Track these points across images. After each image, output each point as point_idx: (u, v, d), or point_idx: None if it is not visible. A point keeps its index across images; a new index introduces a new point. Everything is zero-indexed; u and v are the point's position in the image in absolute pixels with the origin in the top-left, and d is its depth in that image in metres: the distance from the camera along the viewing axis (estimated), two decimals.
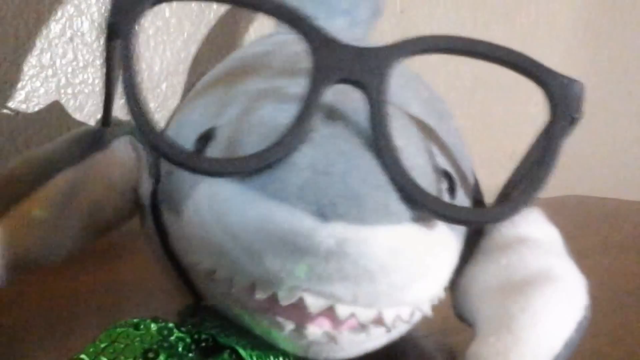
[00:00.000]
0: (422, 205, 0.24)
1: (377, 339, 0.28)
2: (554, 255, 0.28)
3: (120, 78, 0.25)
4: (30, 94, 0.52)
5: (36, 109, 0.52)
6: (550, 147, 0.26)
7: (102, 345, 0.25)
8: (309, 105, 0.24)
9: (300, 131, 0.24)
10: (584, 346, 0.33)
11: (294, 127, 0.24)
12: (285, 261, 0.24)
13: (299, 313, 0.25)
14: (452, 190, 0.28)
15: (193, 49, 0.59)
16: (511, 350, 0.25)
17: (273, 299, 0.25)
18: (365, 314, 0.25)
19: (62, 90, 0.54)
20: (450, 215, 0.25)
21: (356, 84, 0.25)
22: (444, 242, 0.26)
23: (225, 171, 0.24)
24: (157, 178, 0.30)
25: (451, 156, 0.29)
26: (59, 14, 0.53)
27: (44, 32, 0.52)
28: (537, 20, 0.87)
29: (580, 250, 0.54)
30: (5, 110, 0.51)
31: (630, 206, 0.80)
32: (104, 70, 0.29)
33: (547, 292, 0.26)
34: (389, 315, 0.26)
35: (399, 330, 0.28)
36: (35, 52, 0.52)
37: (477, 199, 0.32)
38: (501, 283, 0.27)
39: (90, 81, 0.55)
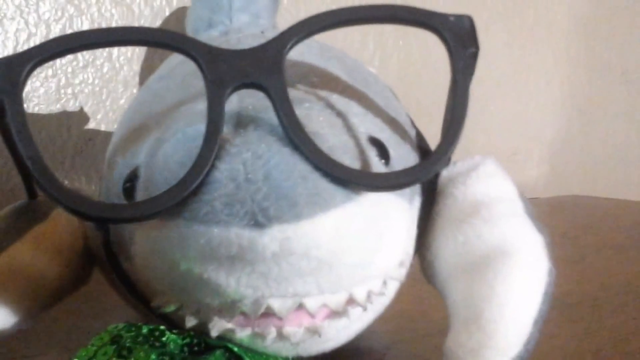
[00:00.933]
0: (349, 182, 0.24)
1: (360, 319, 0.28)
2: (508, 219, 0.28)
3: (21, 153, 0.24)
4: (30, 94, 0.52)
5: (36, 109, 0.52)
6: (458, 87, 0.26)
7: (94, 349, 0.25)
8: (214, 119, 0.24)
9: (212, 148, 0.24)
10: (582, 346, 0.34)
11: (205, 145, 0.24)
12: (240, 278, 0.24)
13: (273, 319, 0.25)
14: (384, 155, 0.27)
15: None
16: (484, 347, 0.25)
17: (244, 315, 0.25)
18: (336, 300, 0.26)
19: (62, 90, 0.54)
20: (378, 184, 0.25)
21: (253, 86, 0.25)
22: (389, 207, 0.26)
23: (150, 212, 0.24)
24: (105, 229, 0.29)
25: (379, 118, 0.29)
26: (59, 13, 0.53)
27: (44, 32, 0.52)
28: (535, 21, 0.87)
29: (579, 250, 0.54)
30: None
31: (629, 206, 0.80)
32: (7, 145, 0.27)
33: (508, 273, 0.26)
34: (360, 294, 0.26)
35: (381, 303, 0.29)
36: None
37: (423, 149, 0.31)
38: (462, 262, 0.27)
39: (90, 81, 0.55)
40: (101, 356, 0.25)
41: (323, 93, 0.28)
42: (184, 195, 0.23)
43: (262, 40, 0.26)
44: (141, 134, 0.28)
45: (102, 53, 0.55)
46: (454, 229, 0.28)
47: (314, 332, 0.26)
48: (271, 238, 0.23)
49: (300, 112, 0.25)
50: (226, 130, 0.24)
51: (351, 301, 0.26)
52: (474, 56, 0.27)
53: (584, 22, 0.93)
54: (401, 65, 0.74)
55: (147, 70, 0.57)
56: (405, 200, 0.28)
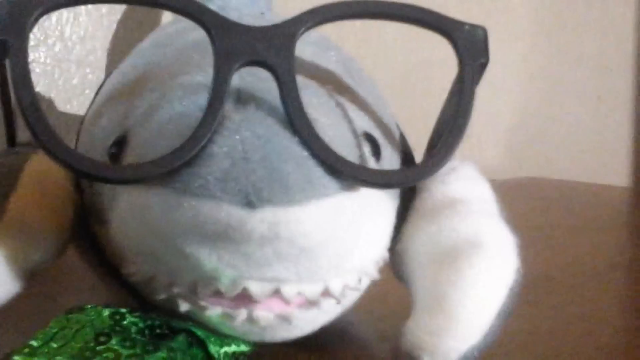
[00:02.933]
0: (345, 175, 0.24)
1: (330, 311, 0.28)
2: (483, 216, 0.28)
3: (15, 97, 0.24)
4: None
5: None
6: (463, 96, 0.27)
7: (53, 331, 0.25)
8: (217, 93, 0.24)
9: (212, 122, 0.23)
10: (538, 325, 0.34)
11: (205, 118, 0.23)
12: (222, 255, 0.24)
13: (247, 301, 0.25)
14: (376, 152, 0.28)
15: (147, 28, 0.58)
16: (444, 329, 0.25)
17: (218, 293, 0.25)
18: (312, 289, 0.26)
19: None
20: (374, 180, 0.25)
21: (261, 64, 0.25)
22: (376, 204, 0.27)
23: (141, 177, 0.24)
24: (80, 190, 0.29)
25: (371, 116, 0.29)
26: None
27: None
28: (493, 3, 0.87)
29: (534, 232, 0.55)
30: None
31: (583, 188, 0.81)
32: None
33: (476, 262, 0.26)
34: (335, 286, 0.26)
35: (351, 298, 0.28)
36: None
37: (405, 152, 0.31)
38: (432, 251, 0.27)
39: (42, 60, 0.54)
40: (59, 339, 0.25)
41: (322, 82, 0.28)
42: (179, 164, 0.23)
43: (262, 21, 0.26)
44: (131, 97, 0.28)
45: (53, 32, 0.54)
46: (427, 220, 0.28)
47: (284, 319, 0.26)
48: (261, 219, 0.23)
49: (302, 97, 0.24)
50: (226, 105, 0.24)
51: (326, 293, 0.26)
52: (483, 67, 0.27)
53: (541, 4, 0.93)
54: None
55: (100, 50, 0.56)
56: (390, 199, 0.28)
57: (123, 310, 0.26)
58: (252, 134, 0.23)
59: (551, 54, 0.95)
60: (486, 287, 0.26)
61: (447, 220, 0.28)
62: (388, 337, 0.30)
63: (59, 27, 0.54)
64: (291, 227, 0.23)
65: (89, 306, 0.26)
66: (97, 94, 0.32)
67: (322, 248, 0.24)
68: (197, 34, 0.27)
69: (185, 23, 0.29)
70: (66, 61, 0.55)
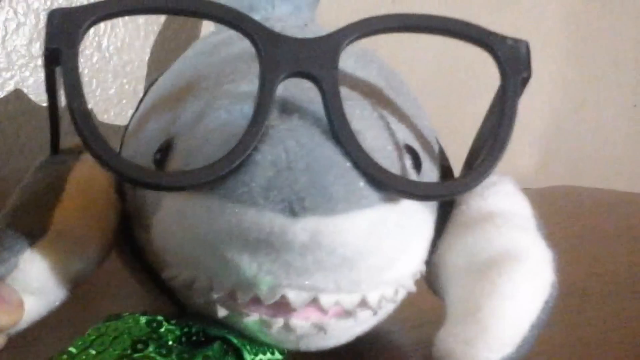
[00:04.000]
0: (387, 186, 0.25)
1: (366, 322, 0.28)
2: (520, 230, 0.28)
3: (67, 104, 0.24)
4: (19, 84, 0.52)
5: (25, 99, 0.52)
6: (505, 110, 0.27)
7: (91, 338, 0.25)
8: (263, 102, 0.24)
9: (257, 130, 0.24)
10: (573, 335, 0.34)
11: (251, 127, 0.24)
12: (262, 262, 0.24)
13: (284, 309, 0.25)
14: (417, 164, 0.28)
15: (183, 38, 0.59)
16: (478, 339, 0.25)
17: (256, 300, 0.25)
18: (350, 300, 0.26)
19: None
20: (415, 192, 0.25)
21: (306, 75, 0.25)
22: (416, 217, 0.27)
23: (188, 184, 0.24)
24: (122, 195, 0.30)
25: (412, 128, 0.29)
26: (49, 3, 0.52)
27: (34, 21, 0.52)
28: (527, 12, 0.87)
29: (569, 240, 0.54)
30: None
31: (618, 196, 0.80)
32: (49, 96, 0.28)
33: (513, 275, 0.26)
34: (373, 298, 0.26)
35: (386, 310, 0.29)
36: (25, 41, 0.52)
37: (444, 166, 0.32)
38: (468, 262, 0.27)
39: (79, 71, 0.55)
40: (98, 346, 0.25)
41: (365, 94, 0.28)
42: (225, 172, 0.24)
43: (306, 32, 0.27)
44: (177, 104, 0.28)
45: (91, 43, 0.55)
46: (464, 231, 0.28)
47: (320, 328, 0.26)
48: (303, 228, 0.23)
49: (346, 109, 0.25)
50: (271, 115, 0.25)
51: (363, 303, 0.26)
52: (525, 82, 0.27)
53: (575, 11, 0.93)
54: None
55: (137, 61, 0.57)
56: (429, 212, 0.28)
57: (160, 317, 0.26)
58: (296, 144, 0.24)
59: (585, 62, 0.94)
60: (521, 300, 0.26)
61: (483, 233, 0.28)
62: (421, 345, 0.30)
63: (96, 39, 0.55)
64: (332, 237, 0.23)
65: (127, 314, 0.26)
66: (141, 101, 0.33)
67: (362, 258, 0.24)
68: (242, 44, 0.27)
69: (230, 33, 0.29)
70: (103, 72, 0.56)
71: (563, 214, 0.67)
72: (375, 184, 0.24)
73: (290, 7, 0.36)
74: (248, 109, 0.25)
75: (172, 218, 0.26)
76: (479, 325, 0.25)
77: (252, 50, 0.25)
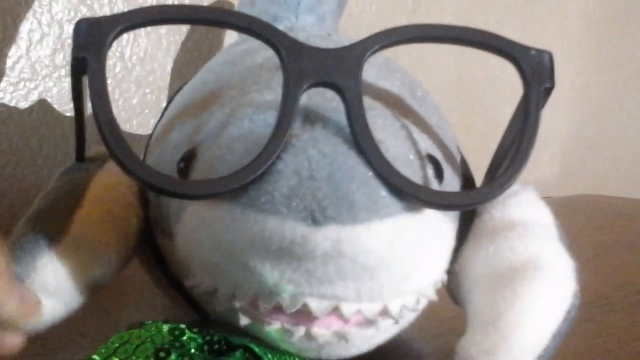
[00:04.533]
0: (409, 195, 0.25)
1: (387, 330, 0.28)
2: (543, 240, 0.28)
3: (93, 112, 0.25)
4: (43, 94, 0.52)
5: (49, 109, 0.53)
6: (529, 120, 0.27)
7: (115, 346, 0.25)
8: (286, 112, 0.24)
9: (280, 140, 0.24)
10: (594, 345, 0.33)
11: (274, 136, 0.24)
12: (284, 271, 0.24)
13: (306, 318, 0.25)
14: (439, 173, 0.28)
15: (205, 48, 0.59)
16: (499, 348, 0.25)
17: (278, 308, 0.25)
18: (371, 309, 0.26)
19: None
20: (437, 201, 0.25)
21: (329, 85, 0.25)
22: (438, 226, 0.27)
23: (210, 193, 0.24)
24: (145, 203, 0.30)
25: (434, 138, 0.29)
26: (72, 14, 0.53)
27: (57, 32, 0.53)
28: (547, 20, 0.87)
29: (592, 250, 0.54)
30: (19, 110, 0.51)
31: None
32: (75, 104, 0.28)
33: (535, 284, 0.26)
34: (394, 306, 0.26)
35: (408, 318, 0.29)
36: (48, 52, 0.52)
37: (466, 175, 0.32)
38: (489, 272, 0.27)
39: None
40: (121, 354, 0.25)
41: (388, 103, 0.28)
42: (249, 181, 0.24)
43: (329, 42, 0.27)
44: (201, 112, 0.29)
45: (114, 53, 0.55)
46: (485, 240, 0.28)
47: (341, 337, 0.26)
48: (325, 237, 0.23)
49: (368, 118, 0.25)
50: (293, 124, 0.25)
51: (385, 312, 0.26)
52: (549, 92, 0.27)
53: (596, 20, 0.92)
54: None
55: (159, 71, 0.57)
56: (451, 221, 0.28)
57: (182, 325, 0.26)
58: (318, 153, 0.24)
59: (606, 69, 0.94)
60: (543, 309, 0.26)
61: (505, 242, 0.28)
62: (442, 355, 0.30)
63: (119, 49, 0.55)
64: (354, 246, 0.23)
65: (149, 322, 0.27)
66: (165, 109, 0.33)
67: (383, 268, 0.24)
68: (266, 53, 0.28)
69: (254, 43, 0.29)
70: (126, 81, 0.56)
71: (585, 223, 0.67)
72: (397, 193, 0.24)
73: (314, 17, 0.36)
74: (271, 118, 0.25)
75: (196, 226, 0.26)
76: (499, 334, 0.25)
77: (276, 59, 0.25)
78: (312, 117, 0.26)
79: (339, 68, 0.25)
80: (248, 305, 0.26)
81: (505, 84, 0.81)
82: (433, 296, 0.28)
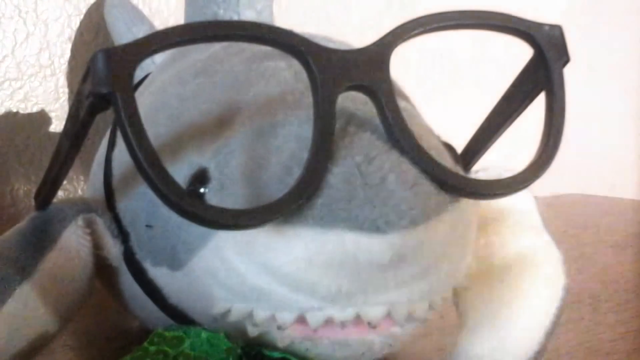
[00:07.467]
0: (457, 189, 0.24)
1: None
2: (532, 231, 0.28)
3: (133, 152, 0.22)
4: (28, 94, 0.52)
5: (34, 108, 0.52)
6: (556, 97, 0.26)
7: (152, 349, 0.24)
8: (324, 122, 0.23)
9: (325, 151, 0.23)
10: (583, 343, 0.34)
11: (317, 148, 0.23)
12: (342, 284, 0.23)
13: (358, 327, 0.25)
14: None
15: None
16: (496, 348, 0.25)
17: (329, 321, 0.24)
18: (421, 308, 0.25)
19: (61, 90, 0.54)
20: (482, 191, 0.25)
21: (362, 88, 0.24)
22: (473, 218, 0.26)
23: (269, 218, 0.22)
24: (124, 237, 0.29)
25: (433, 128, 0.28)
26: (58, 13, 0.53)
27: (43, 31, 0.52)
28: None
29: (579, 248, 0.55)
30: (4, 110, 0.51)
31: (626, 204, 0.80)
32: (71, 143, 0.26)
33: (532, 282, 0.26)
34: (438, 301, 0.26)
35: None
36: (34, 51, 0.52)
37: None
38: (481, 265, 0.27)
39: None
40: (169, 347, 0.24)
41: (402, 97, 0.28)
42: (302, 201, 0.22)
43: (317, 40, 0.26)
44: (197, 132, 0.26)
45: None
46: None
47: (395, 339, 0.26)
48: (390, 244, 0.22)
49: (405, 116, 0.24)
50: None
51: (431, 308, 0.25)
52: (564, 66, 0.26)
53: (573, 16, 0.93)
54: None
55: None
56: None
57: (221, 335, 0.25)
58: (364, 158, 0.23)
59: (590, 67, 0.95)
60: (539, 307, 0.26)
61: (495, 236, 0.28)
62: (445, 350, 0.30)
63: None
64: (416, 249, 0.23)
65: (186, 327, 0.26)
66: (115, 127, 0.31)
67: (438, 264, 0.24)
68: (270, 64, 0.27)
69: (236, 48, 0.28)
70: None
71: (571, 223, 0.67)
72: (446, 188, 0.24)
73: (254, 13, 0.36)
74: (306, 132, 0.23)
75: (233, 252, 0.24)
76: (497, 333, 0.25)
77: (280, 65, 0.25)
78: (347, 122, 0.24)
79: (367, 70, 0.24)
80: (290, 324, 0.24)
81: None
82: (464, 283, 0.27)
